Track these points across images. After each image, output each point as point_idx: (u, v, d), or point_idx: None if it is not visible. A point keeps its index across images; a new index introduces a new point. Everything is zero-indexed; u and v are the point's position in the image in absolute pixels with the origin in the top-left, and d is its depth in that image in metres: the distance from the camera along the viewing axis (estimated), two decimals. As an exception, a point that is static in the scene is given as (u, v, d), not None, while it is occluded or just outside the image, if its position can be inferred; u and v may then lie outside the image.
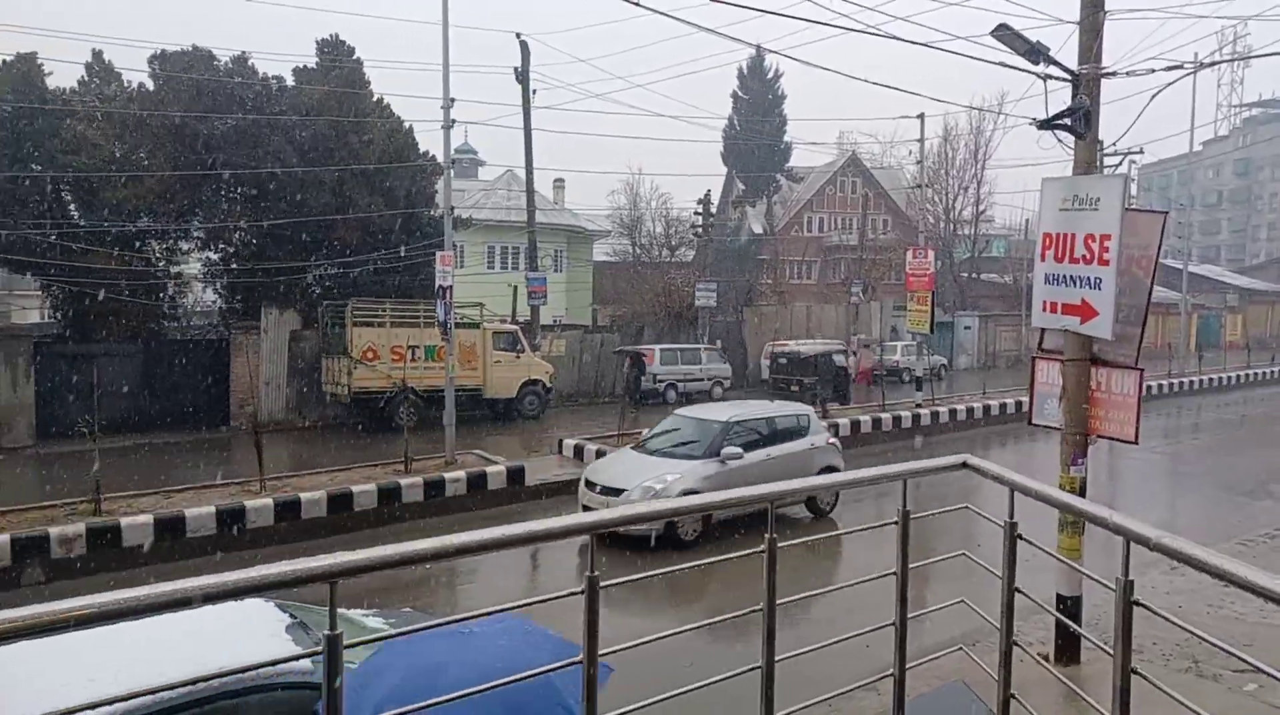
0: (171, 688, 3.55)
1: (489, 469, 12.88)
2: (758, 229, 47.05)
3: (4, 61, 19.05)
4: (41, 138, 18.99)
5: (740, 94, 44.13)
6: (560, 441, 15.68)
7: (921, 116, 24.65)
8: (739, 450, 10.70)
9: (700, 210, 28.21)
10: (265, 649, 4.35)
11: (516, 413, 21.75)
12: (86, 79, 20.18)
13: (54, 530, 9.42)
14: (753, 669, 2.46)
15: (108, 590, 1.59)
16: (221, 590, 1.66)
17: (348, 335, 19.56)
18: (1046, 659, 5.81)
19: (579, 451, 14.94)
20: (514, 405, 21.72)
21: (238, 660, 4.20)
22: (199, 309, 26.05)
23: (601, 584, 2.08)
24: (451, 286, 12.80)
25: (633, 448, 11.80)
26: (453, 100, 12.29)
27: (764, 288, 38.12)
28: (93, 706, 3.30)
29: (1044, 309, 6.31)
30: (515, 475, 13.01)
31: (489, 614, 2.19)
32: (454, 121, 12.44)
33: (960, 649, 3.36)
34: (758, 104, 43.40)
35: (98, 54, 20.26)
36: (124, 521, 9.85)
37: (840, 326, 32.94)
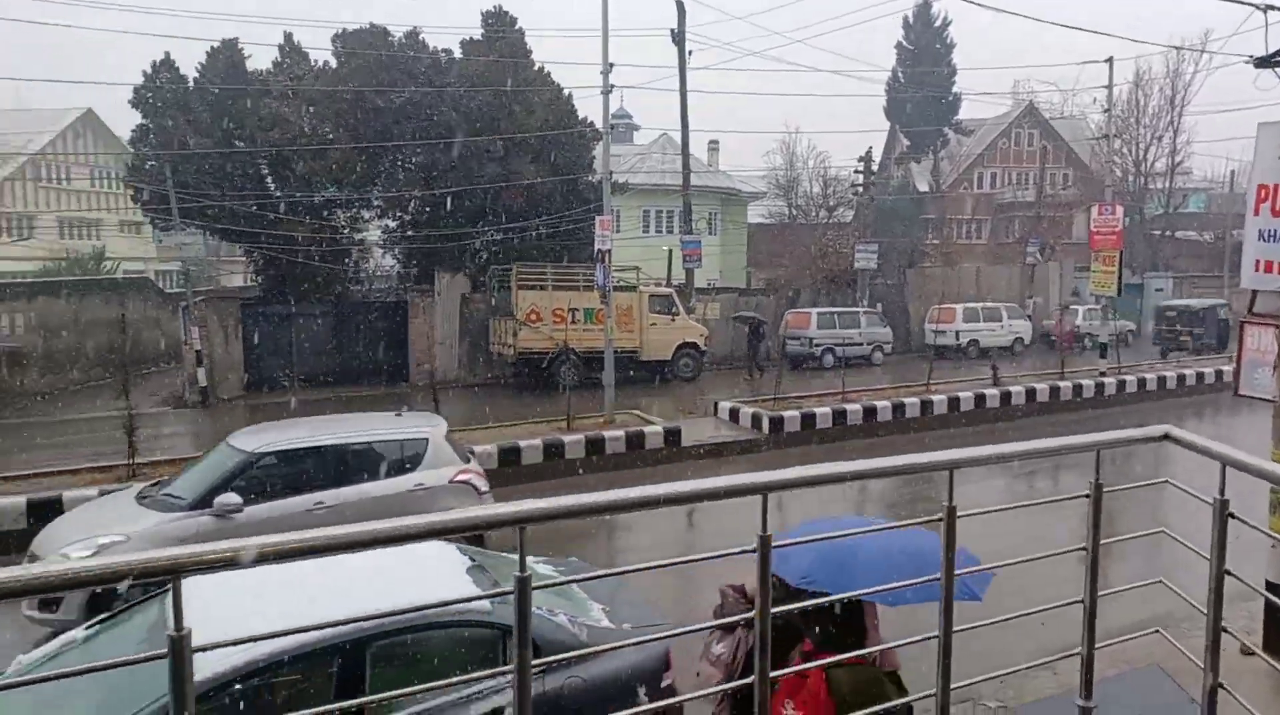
0: (391, 615, 3.98)
1: (647, 429, 13.14)
2: (923, 187, 44.89)
3: (212, 48, 20.98)
4: (243, 117, 20.81)
5: (905, 44, 41.94)
6: (715, 404, 15.75)
7: (1110, 61, 22.46)
8: (236, 500, 7.23)
9: (861, 168, 27.19)
10: (451, 588, 4.70)
11: (671, 375, 22.00)
12: (280, 60, 21.91)
13: (262, 473, 10.46)
14: (928, 638, 2.42)
15: (301, 529, 1.76)
16: (427, 530, 1.81)
17: (513, 298, 20.39)
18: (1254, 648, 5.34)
19: (734, 414, 14.96)
20: (669, 367, 21.98)
21: (429, 596, 4.57)
22: (379, 273, 27.92)
23: (774, 543, 2.10)
24: (610, 250, 13.04)
25: (145, 487, 8.16)
26: (611, 65, 12.42)
27: (929, 248, 36.40)
28: (319, 627, 3.74)
29: (1257, 268, 5.70)
30: (672, 436, 13.21)
31: (667, 565, 2.26)
32: (612, 86, 12.58)
33: (1157, 631, 3.14)
34: (924, 54, 41.10)
35: (289, 36, 21.96)
36: (319, 467, 10.78)
37: (1014, 289, 31.02)
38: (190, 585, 4.13)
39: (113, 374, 22.70)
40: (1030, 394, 17.15)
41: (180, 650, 1.58)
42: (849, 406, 14.91)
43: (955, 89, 41.56)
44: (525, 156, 22.64)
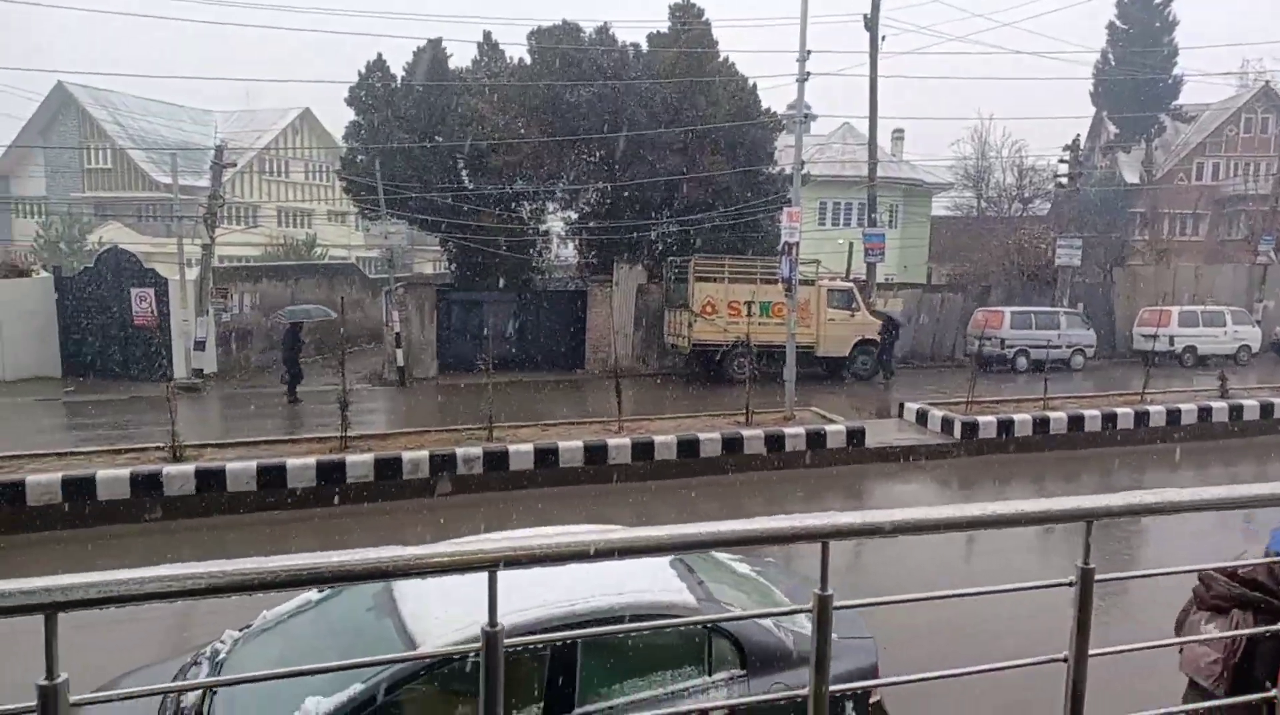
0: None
1: (828, 427, 12.74)
2: (1131, 177, 41.09)
3: (418, 48, 22.34)
4: (444, 113, 22.00)
5: (1119, 24, 38.49)
6: (901, 405, 15.06)
7: (1383, 29, 19.49)
8: None
9: (1067, 157, 25.16)
10: (660, 579, 4.64)
11: (847, 372, 21.35)
12: (479, 58, 22.99)
13: (459, 450, 11.01)
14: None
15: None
16: (722, 539, 1.70)
17: (689, 290, 20.41)
18: None
19: (922, 417, 14.24)
20: (845, 364, 21.33)
21: (634, 590, 4.52)
22: (558, 263, 28.81)
23: (1097, 577, 1.85)
24: (798, 243, 12.71)
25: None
26: (809, 53, 12.04)
27: (1137, 245, 33.30)
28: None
29: None
30: (855, 436, 12.74)
31: (967, 595, 2.05)
32: (808, 74, 12.21)
33: None
34: (1141, 34, 37.53)
35: (487, 35, 22.99)
36: (511, 448, 11.23)
37: (1238, 291, 27.78)
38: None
39: (321, 352, 24.75)
40: (1266, 409, 15.21)
41: (494, 645, 1.56)
42: (1052, 414, 13.80)
43: (1176, 71, 37.68)
44: (707, 148, 22.58)
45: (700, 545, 1.77)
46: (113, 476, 9.67)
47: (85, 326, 20.67)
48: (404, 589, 4.41)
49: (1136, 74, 36.88)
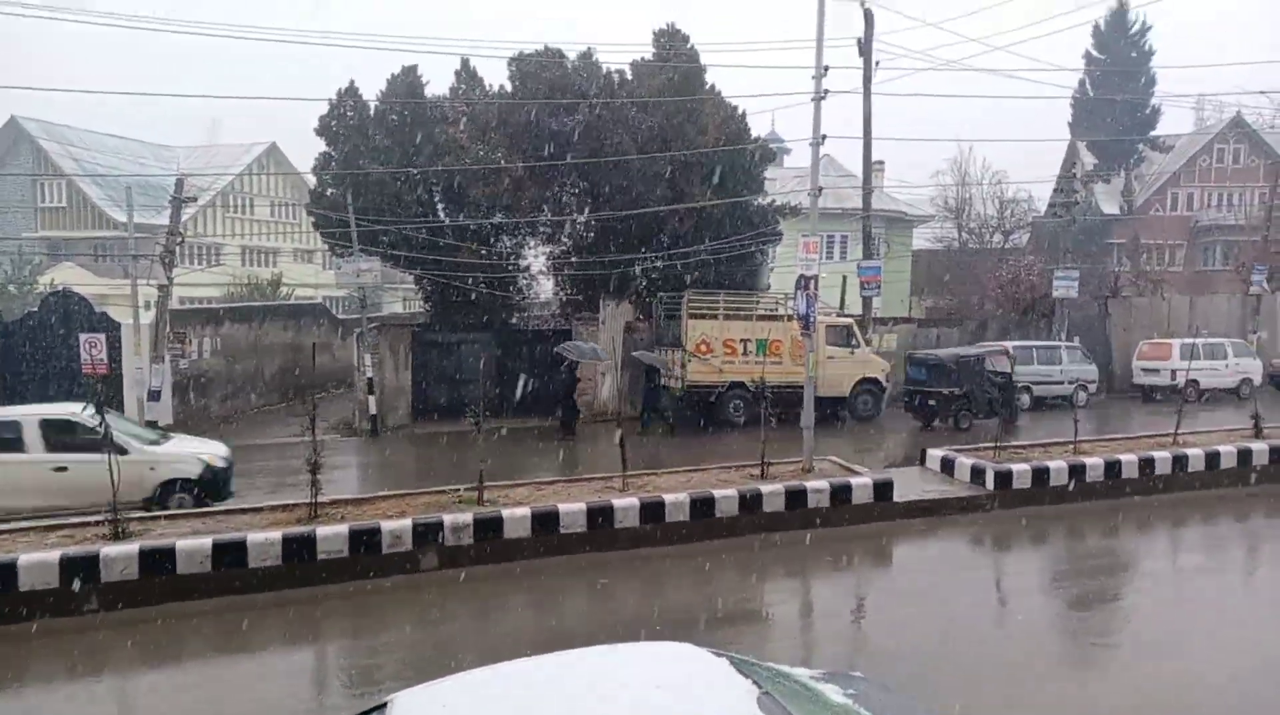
0: None
1: (854, 481, 11.56)
2: (1108, 208, 41.12)
3: (392, 74, 21.18)
4: (420, 143, 20.81)
5: (1095, 53, 38.64)
6: (924, 451, 13.95)
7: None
8: None
9: (1058, 187, 24.64)
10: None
11: (846, 414, 20.35)
12: (456, 85, 21.86)
13: (446, 518, 9.65)
14: None
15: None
16: None
17: (683, 327, 19.36)
18: None
19: (948, 465, 13.14)
20: (846, 405, 20.32)
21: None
22: (536, 302, 27.56)
23: None
24: (816, 276, 11.64)
25: None
26: (826, 69, 11.08)
27: (1125, 276, 33.00)
28: None
29: None
30: (882, 489, 11.58)
31: None
32: (826, 92, 11.23)
33: None
34: (1118, 63, 37.62)
35: (465, 62, 21.88)
36: (505, 513, 9.89)
37: (1231, 323, 27.34)
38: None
39: (287, 399, 23.22)
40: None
41: None
42: (1087, 460, 12.75)
43: (1154, 101, 37.82)
44: (695, 178, 21.63)
45: None
46: (38, 561, 8.19)
47: (29, 377, 18.99)
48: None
49: (1114, 104, 36.89)
